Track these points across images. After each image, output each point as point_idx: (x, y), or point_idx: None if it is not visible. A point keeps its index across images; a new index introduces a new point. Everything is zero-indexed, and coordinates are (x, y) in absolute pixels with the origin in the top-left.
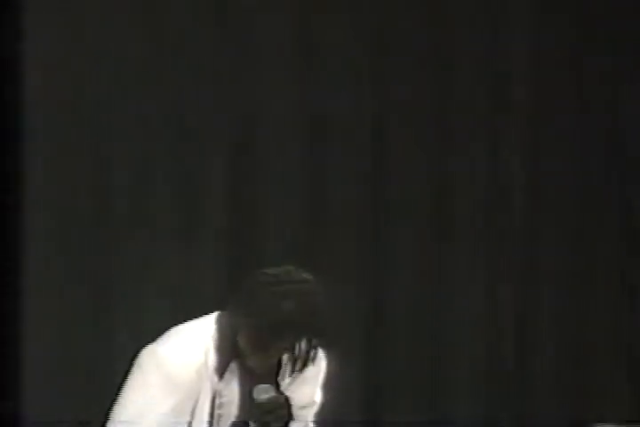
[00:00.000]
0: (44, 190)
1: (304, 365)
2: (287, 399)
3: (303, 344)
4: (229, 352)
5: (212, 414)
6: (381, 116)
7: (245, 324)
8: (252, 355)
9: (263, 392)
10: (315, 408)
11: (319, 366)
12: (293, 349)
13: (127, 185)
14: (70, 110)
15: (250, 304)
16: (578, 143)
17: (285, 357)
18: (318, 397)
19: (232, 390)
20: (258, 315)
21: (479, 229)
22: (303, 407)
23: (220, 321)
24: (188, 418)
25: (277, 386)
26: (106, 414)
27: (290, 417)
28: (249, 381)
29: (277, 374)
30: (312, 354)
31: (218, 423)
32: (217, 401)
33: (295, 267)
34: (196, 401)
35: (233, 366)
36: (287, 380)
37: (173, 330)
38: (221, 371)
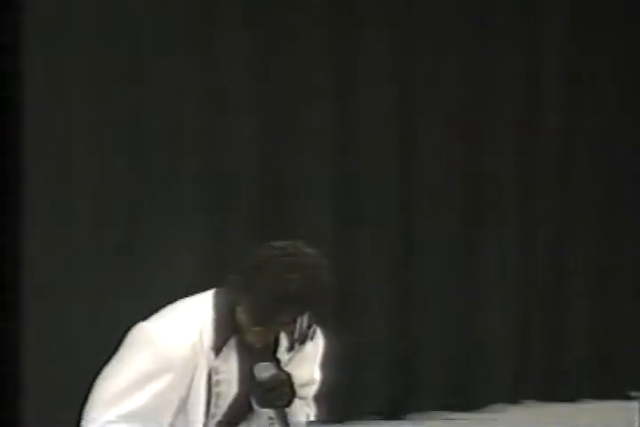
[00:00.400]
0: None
1: (303, 340)
2: (289, 377)
3: (304, 319)
4: (227, 328)
5: (209, 392)
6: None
7: (247, 297)
8: (252, 330)
9: (264, 370)
10: (314, 387)
11: (317, 344)
12: (294, 323)
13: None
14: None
15: (255, 276)
16: None
17: (283, 333)
18: (317, 375)
19: (230, 368)
20: (262, 287)
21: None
22: (303, 385)
23: (217, 297)
24: (183, 395)
25: (278, 363)
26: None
27: (293, 395)
28: (247, 358)
29: (275, 351)
30: (312, 330)
31: (216, 401)
32: (214, 378)
33: (302, 241)
34: (192, 379)
35: (231, 342)
36: (286, 356)
37: (168, 307)
38: (218, 348)
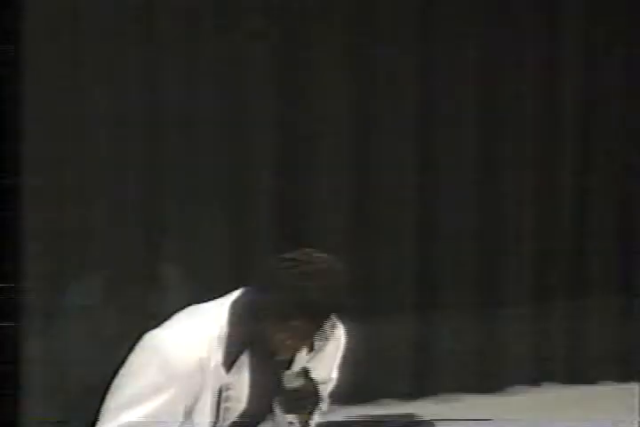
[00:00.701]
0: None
1: (325, 340)
2: (316, 385)
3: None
4: (241, 343)
5: (217, 407)
6: None
7: (266, 308)
8: (274, 339)
9: (294, 379)
10: (331, 385)
11: (338, 344)
12: (317, 327)
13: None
14: None
15: (271, 288)
16: None
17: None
18: (335, 373)
19: (241, 383)
20: (278, 300)
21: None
22: (320, 384)
23: (233, 309)
24: (189, 407)
25: (307, 372)
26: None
27: (319, 401)
28: (262, 371)
29: (292, 360)
30: (333, 330)
31: (224, 415)
32: (224, 394)
33: (311, 249)
34: (199, 392)
35: (243, 357)
36: (306, 357)
37: (182, 313)
38: (229, 364)
